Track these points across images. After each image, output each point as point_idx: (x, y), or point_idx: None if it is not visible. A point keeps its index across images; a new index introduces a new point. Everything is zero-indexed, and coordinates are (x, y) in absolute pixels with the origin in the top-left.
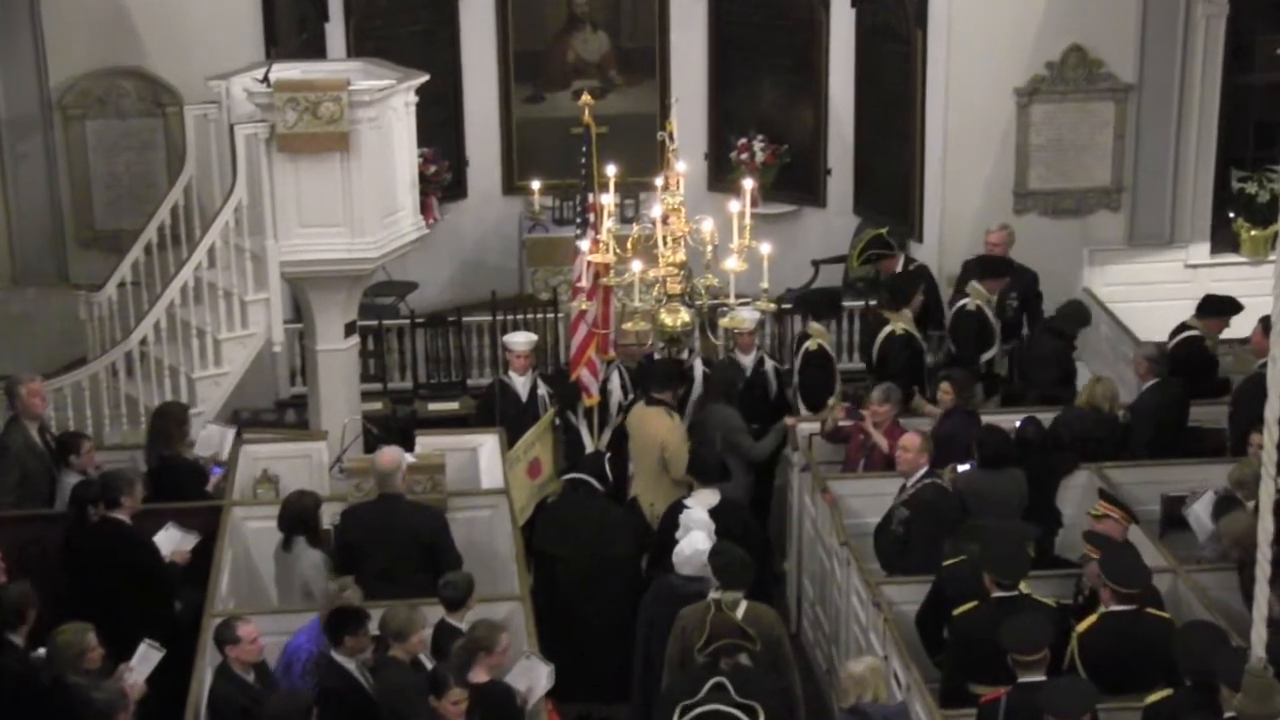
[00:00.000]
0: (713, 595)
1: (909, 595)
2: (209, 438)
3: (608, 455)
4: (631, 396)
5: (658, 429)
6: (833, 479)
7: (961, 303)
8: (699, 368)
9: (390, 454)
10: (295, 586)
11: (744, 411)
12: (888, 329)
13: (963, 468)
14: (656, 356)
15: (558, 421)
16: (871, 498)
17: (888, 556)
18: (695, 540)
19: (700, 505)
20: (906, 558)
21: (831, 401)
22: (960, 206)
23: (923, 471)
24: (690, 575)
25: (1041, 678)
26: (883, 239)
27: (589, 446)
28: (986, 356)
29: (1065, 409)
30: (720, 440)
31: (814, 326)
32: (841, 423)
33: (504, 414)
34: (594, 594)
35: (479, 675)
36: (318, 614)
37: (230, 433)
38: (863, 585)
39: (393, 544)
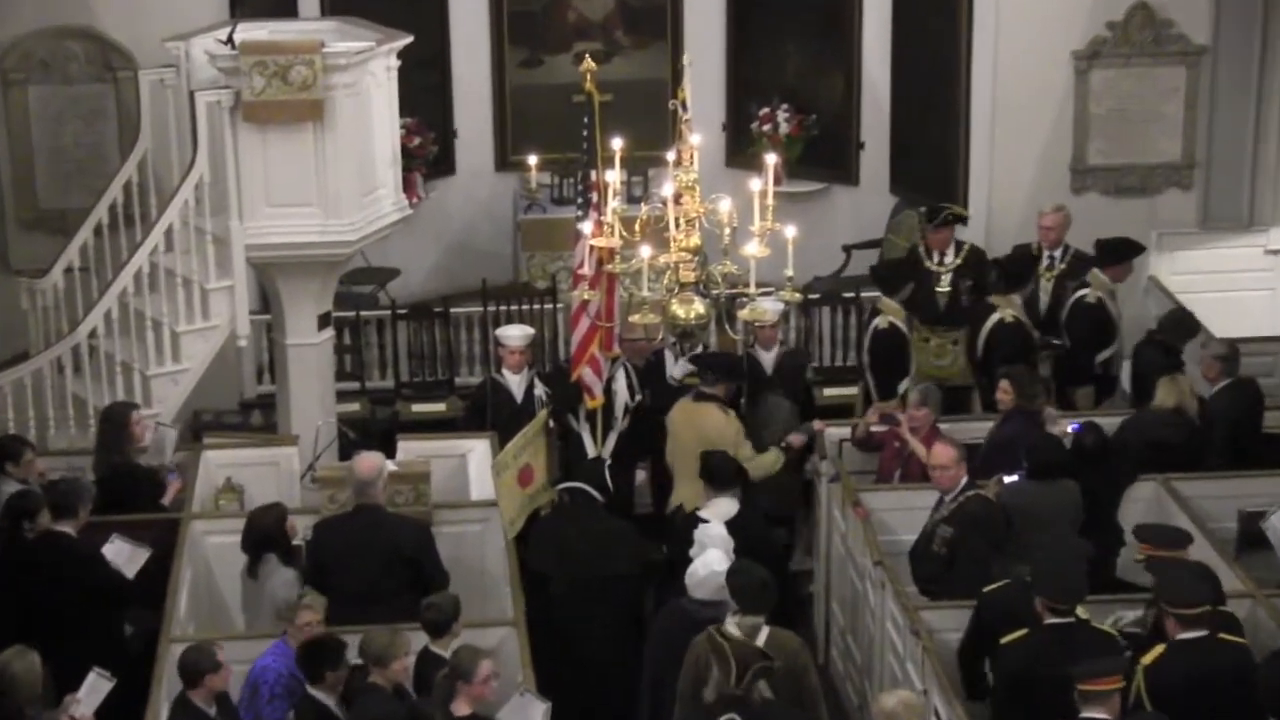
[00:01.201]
0: (731, 620)
1: (952, 621)
2: (155, 442)
3: (608, 462)
4: (640, 398)
5: (708, 427)
6: (865, 490)
7: (1081, 294)
8: None
9: (369, 461)
10: (266, 609)
11: (766, 412)
12: (996, 316)
13: (1010, 479)
14: (671, 350)
15: (552, 423)
16: (908, 512)
17: (927, 579)
18: (711, 560)
19: (717, 517)
20: (951, 580)
21: (903, 386)
22: (1010, 185)
23: (962, 484)
24: (705, 599)
25: (1106, 717)
26: (955, 211)
27: (592, 453)
28: (1103, 356)
29: (1136, 411)
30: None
31: (885, 302)
32: (875, 428)
33: (496, 417)
34: (593, 618)
35: (460, 708)
36: (285, 632)
37: (173, 434)
38: (899, 610)
39: (371, 562)
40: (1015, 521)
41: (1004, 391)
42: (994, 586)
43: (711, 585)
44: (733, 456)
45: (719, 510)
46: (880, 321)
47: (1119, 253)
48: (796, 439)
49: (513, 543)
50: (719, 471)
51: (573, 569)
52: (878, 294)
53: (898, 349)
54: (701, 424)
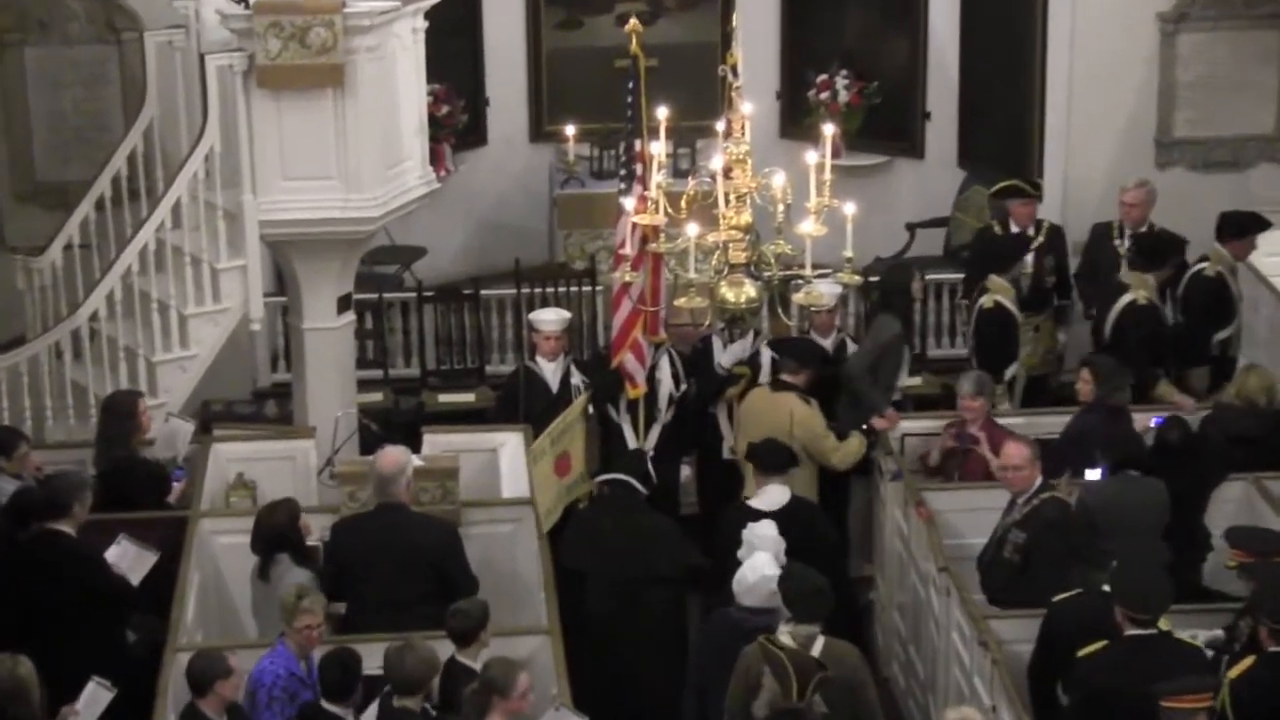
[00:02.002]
0: (783, 629)
1: (1023, 632)
2: (166, 434)
3: (651, 454)
4: (685, 387)
5: (785, 417)
6: (929, 490)
7: (1199, 267)
8: (767, 354)
9: (392, 456)
10: (279, 614)
11: (822, 408)
12: (1128, 297)
13: (1091, 474)
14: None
15: (591, 409)
16: (976, 513)
17: (997, 588)
18: (760, 564)
19: (768, 504)
20: (1023, 589)
21: (1011, 372)
22: (1089, 159)
23: (1036, 485)
24: (755, 606)
25: None
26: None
27: (633, 446)
28: (1221, 335)
29: (1217, 405)
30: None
31: (994, 280)
32: (950, 443)
33: (530, 408)
34: (631, 623)
35: None
36: (282, 634)
37: (188, 428)
38: (966, 620)
39: (394, 565)
40: (1100, 524)
41: (1084, 381)
42: (1065, 596)
43: (762, 591)
44: (783, 444)
45: (770, 498)
46: (986, 301)
47: (1243, 226)
48: (880, 422)
49: (547, 544)
50: (768, 456)
51: (609, 568)
52: (944, 276)
53: (1005, 331)
54: (781, 415)
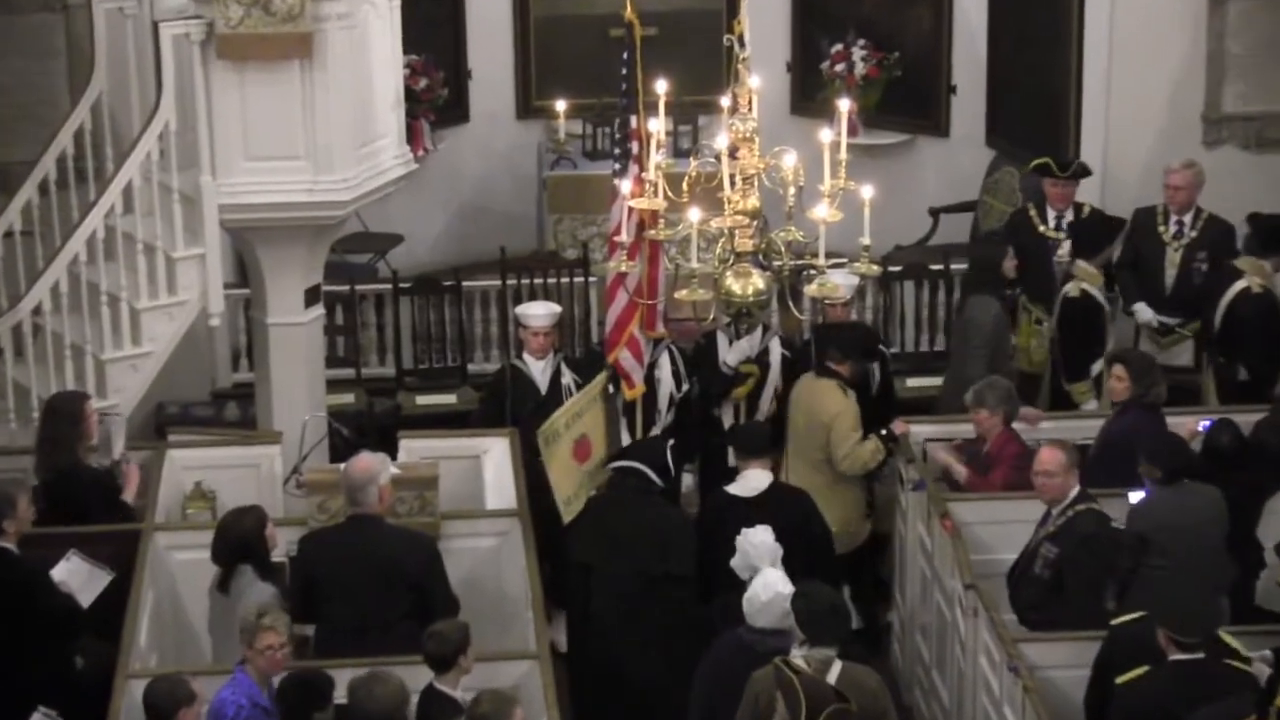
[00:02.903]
0: (797, 653)
1: (1058, 656)
2: (100, 437)
3: (670, 442)
4: (687, 387)
5: (827, 406)
6: (955, 500)
7: (1243, 286)
8: (777, 349)
9: (365, 463)
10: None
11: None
12: (1239, 285)
13: (1135, 496)
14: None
15: (611, 389)
16: (1007, 526)
17: (1028, 606)
18: (772, 581)
19: (746, 490)
20: (1057, 609)
21: (1097, 367)
22: (1131, 137)
23: (1073, 494)
24: (768, 628)
25: None
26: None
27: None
28: None
29: (1273, 408)
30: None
31: (1081, 266)
32: (958, 466)
33: (517, 410)
34: (640, 625)
35: None
36: (243, 659)
37: (118, 422)
38: (995, 643)
39: (367, 583)
40: (1151, 540)
41: (1117, 379)
42: (1127, 619)
43: (775, 611)
44: (763, 424)
45: (749, 482)
46: (1071, 289)
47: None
48: (900, 426)
49: (535, 560)
50: (747, 437)
51: (617, 563)
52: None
53: (1091, 321)
54: (816, 402)
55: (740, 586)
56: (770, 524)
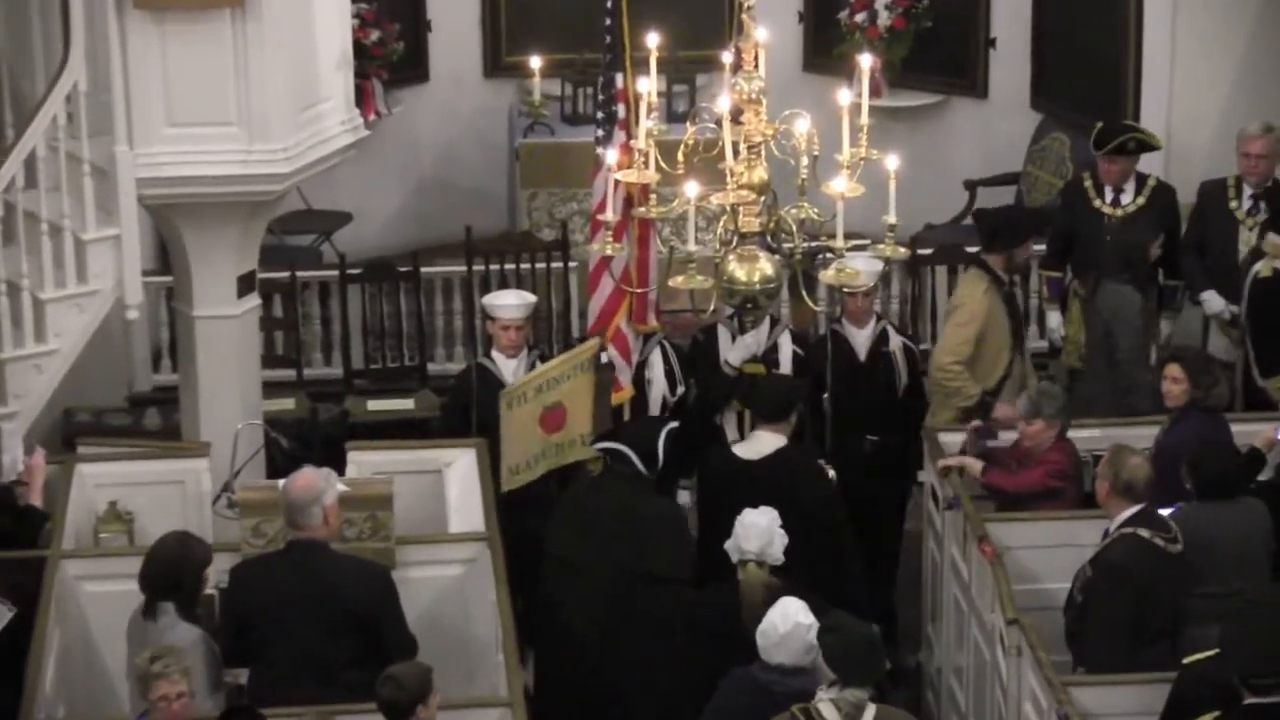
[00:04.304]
0: (824, 695)
1: (1117, 702)
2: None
3: (672, 427)
4: (683, 389)
5: (956, 292)
6: (995, 520)
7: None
8: (787, 347)
9: (308, 480)
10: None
11: (860, 412)
12: (1258, 269)
13: (1166, 511)
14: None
15: (604, 356)
16: (1058, 551)
17: (1068, 636)
18: (791, 611)
19: (751, 450)
20: (1078, 644)
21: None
22: (1198, 98)
23: (1128, 514)
24: (788, 665)
25: None
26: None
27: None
28: None
29: None
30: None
31: (1272, 240)
32: (970, 461)
33: (485, 416)
34: (617, 629)
35: None
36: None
37: (10, 429)
38: (1042, 687)
39: (310, 620)
40: (1193, 559)
41: (1172, 380)
42: (1199, 657)
43: (795, 646)
44: (785, 380)
45: (756, 444)
46: (1262, 268)
47: None
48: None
49: (506, 594)
50: (761, 398)
51: (598, 561)
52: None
53: None
54: (960, 296)
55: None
56: (771, 491)
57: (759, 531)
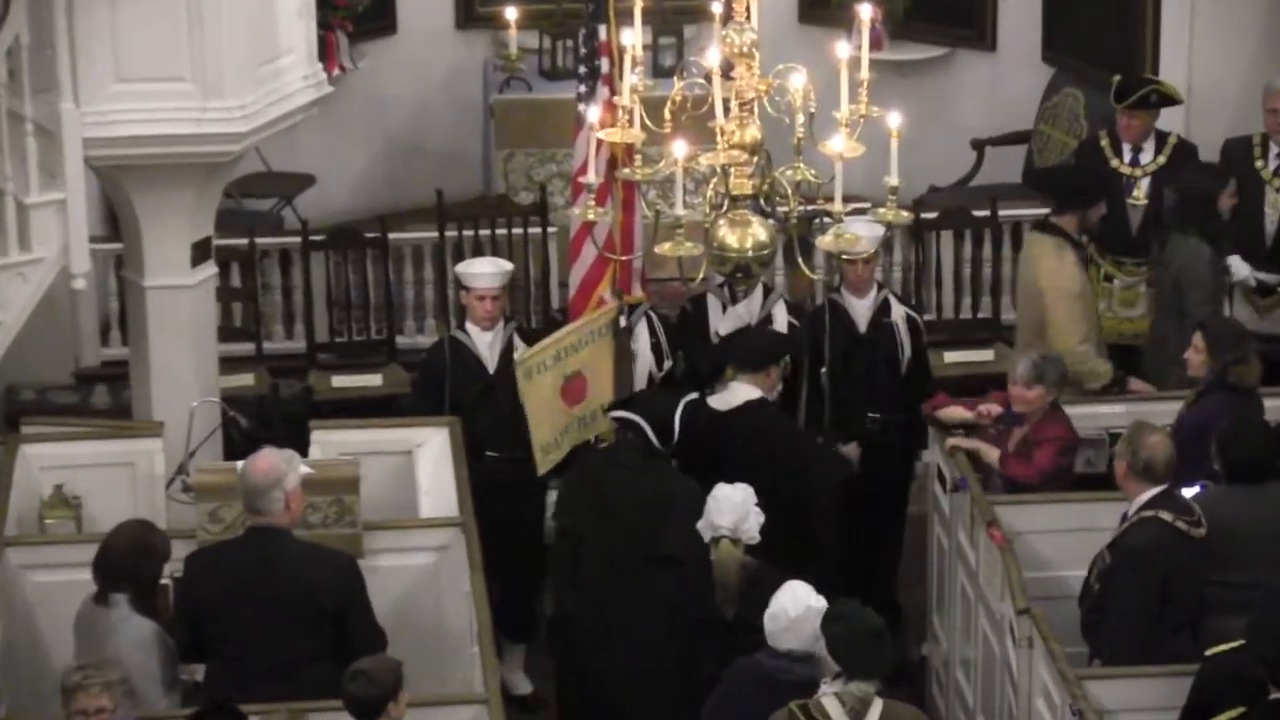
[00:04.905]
0: (828, 687)
1: (1134, 697)
2: None
3: (690, 398)
4: (671, 364)
5: (1037, 272)
6: (1004, 503)
7: None
8: (782, 317)
9: (268, 462)
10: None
11: (859, 387)
12: None
13: (1189, 491)
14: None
15: (625, 318)
16: (1072, 536)
17: (1083, 626)
18: (800, 594)
19: (723, 401)
20: (1096, 634)
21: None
22: (1221, 50)
23: (1148, 496)
24: (796, 651)
25: None
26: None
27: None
28: None
29: None
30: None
31: None
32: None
33: (458, 393)
34: (629, 613)
35: None
36: None
37: None
38: (1055, 680)
39: (270, 612)
40: (1217, 547)
41: (1195, 350)
42: (1223, 649)
43: (804, 631)
44: (771, 332)
45: (730, 395)
46: None
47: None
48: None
49: (482, 583)
50: (742, 346)
51: (608, 534)
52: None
53: None
54: (1032, 266)
55: None
56: (745, 443)
57: (732, 506)
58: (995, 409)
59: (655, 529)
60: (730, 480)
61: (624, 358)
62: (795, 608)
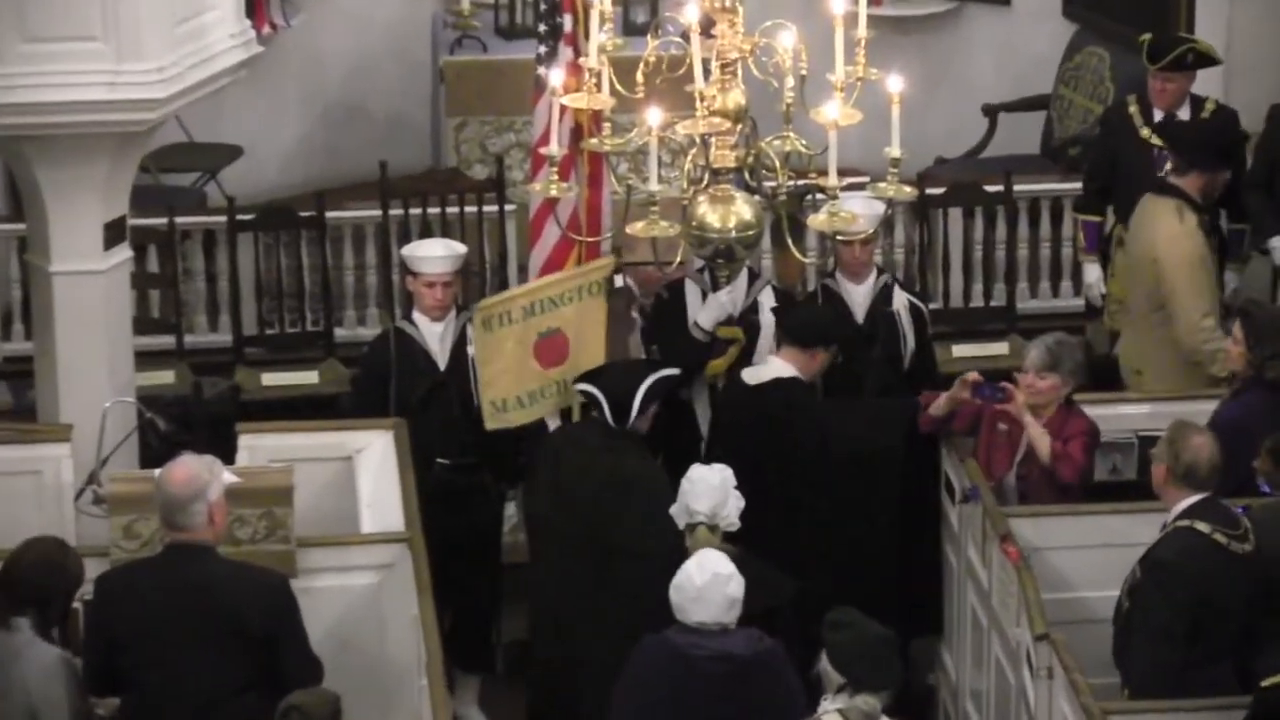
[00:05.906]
0: (830, 705)
1: None
2: None
3: (661, 375)
4: (645, 357)
5: (1156, 238)
6: (1019, 516)
7: None
8: (770, 303)
9: (189, 470)
10: (15, 709)
11: (857, 382)
12: None
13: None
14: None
15: (620, 280)
16: (1097, 552)
17: (1115, 651)
18: (709, 561)
19: (754, 375)
20: (1124, 656)
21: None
22: (1262, 6)
23: (1185, 505)
24: (706, 624)
25: None
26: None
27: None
28: None
29: None
30: None
31: None
32: (962, 394)
33: (404, 392)
34: (592, 608)
35: None
36: None
37: None
38: (1077, 715)
39: (192, 639)
40: (1267, 561)
41: (1233, 341)
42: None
43: (716, 599)
44: (832, 311)
45: (763, 370)
46: None
47: None
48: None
49: (430, 606)
50: (796, 320)
51: (575, 523)
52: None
53: None
54: (1148, 231)
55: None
56: (761, 418)
57: (709, 490)
58: (973, 375)
59: (613, 516)
60: (739, 462)
61: (618, 321)
62: (702, 576)
